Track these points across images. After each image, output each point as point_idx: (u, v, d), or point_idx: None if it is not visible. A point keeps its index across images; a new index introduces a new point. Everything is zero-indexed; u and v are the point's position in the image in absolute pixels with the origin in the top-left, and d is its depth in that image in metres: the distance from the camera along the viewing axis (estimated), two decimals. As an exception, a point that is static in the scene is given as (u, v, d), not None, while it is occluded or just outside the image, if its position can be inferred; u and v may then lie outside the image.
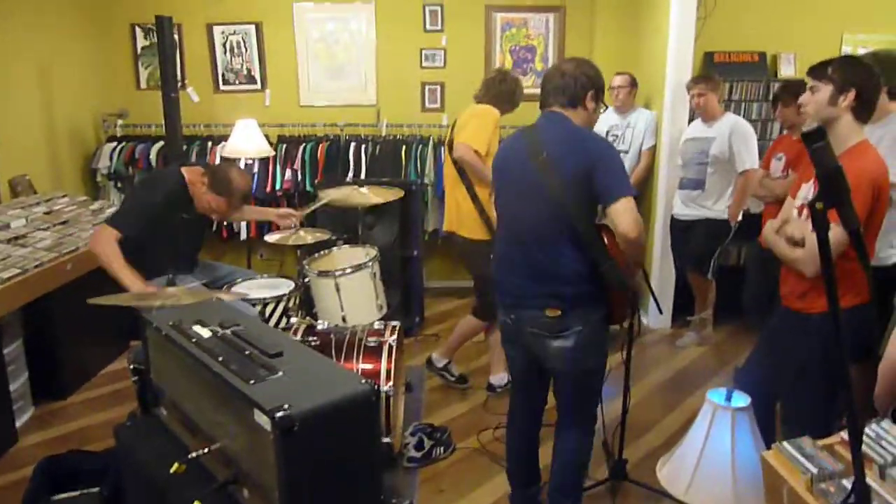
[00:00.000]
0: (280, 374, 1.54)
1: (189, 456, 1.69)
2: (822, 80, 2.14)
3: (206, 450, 1.67)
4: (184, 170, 3.21)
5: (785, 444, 1.63)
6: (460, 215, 3.49)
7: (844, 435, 1.66)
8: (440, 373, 3.86)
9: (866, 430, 1.55)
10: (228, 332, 1.79)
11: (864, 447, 1.45)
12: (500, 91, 3.48)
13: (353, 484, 1.52)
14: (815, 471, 1.50)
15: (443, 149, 4.69)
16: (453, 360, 3.89)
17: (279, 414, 1.35)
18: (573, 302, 2.21)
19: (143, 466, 1.86)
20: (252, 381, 1.49)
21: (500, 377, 3.77)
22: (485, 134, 3.34)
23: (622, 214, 2.08)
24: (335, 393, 1.47)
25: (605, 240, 2.20)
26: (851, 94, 2.08)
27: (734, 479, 1.99)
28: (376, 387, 2.76)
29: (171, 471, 1.67)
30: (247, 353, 1.65)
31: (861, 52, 4.74)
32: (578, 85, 2.23)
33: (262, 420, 1.38)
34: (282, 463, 1.37)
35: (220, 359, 1.61)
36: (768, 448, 1.88)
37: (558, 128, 2.24)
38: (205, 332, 1.78)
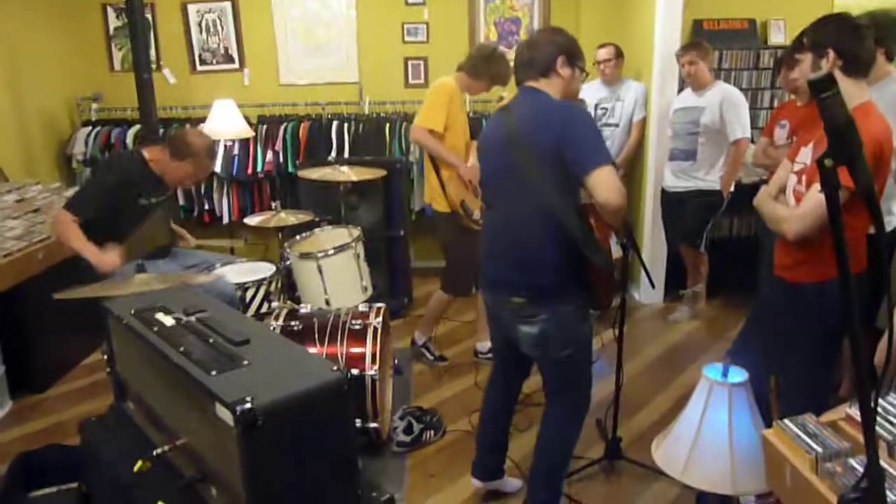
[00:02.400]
0: (245, 363, 1.43)
1: (154, 452, 1.59)
2: (801, 51, 2.10)
3: (171, 446, 1.56)
4: (144, 151, 3.14)
5: (787, 421, 1.54)
6: (430, 188, 3.58)
7: (848, 410, 1.57)
8: (420, 350, 3.84)
9: (873, 405, 1.46)
10: (193, 319, 1.67)
11: (871, 424, 1.36)
12: (481, 68, 3.45)
13: (326, 479, 1.41)
14: (820, 450, 1.41)
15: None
16: (433, 337, 3.90)
17: (241, 407, 1.24)
18: (541, 291, 2.14)
19: (108, 463, 1.75)
20: (214, 372, 1.38)
21: (484, 344, 3.76)
22: (437, 110, 3.37)
23: (600, 184, 1.94)
24: (304, 382, 1.36)
25: (591, 220, 2.09)
26: (831, 55, 1.99)
27: (732, 458, 1.90)
28: (360, 372, 2.70)
29: (136, 468, 1.57)
30: (210, 341, 1.53)
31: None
32: (545, 53, 2.14)
33: (224, 414, 1.27)
34: (246, 459, 1.26)
35: (182, 349, 1.49)
36: (766, 424, 1.80)
37: (529, 103, 2.15)
38: (167, 320, 1.66)
